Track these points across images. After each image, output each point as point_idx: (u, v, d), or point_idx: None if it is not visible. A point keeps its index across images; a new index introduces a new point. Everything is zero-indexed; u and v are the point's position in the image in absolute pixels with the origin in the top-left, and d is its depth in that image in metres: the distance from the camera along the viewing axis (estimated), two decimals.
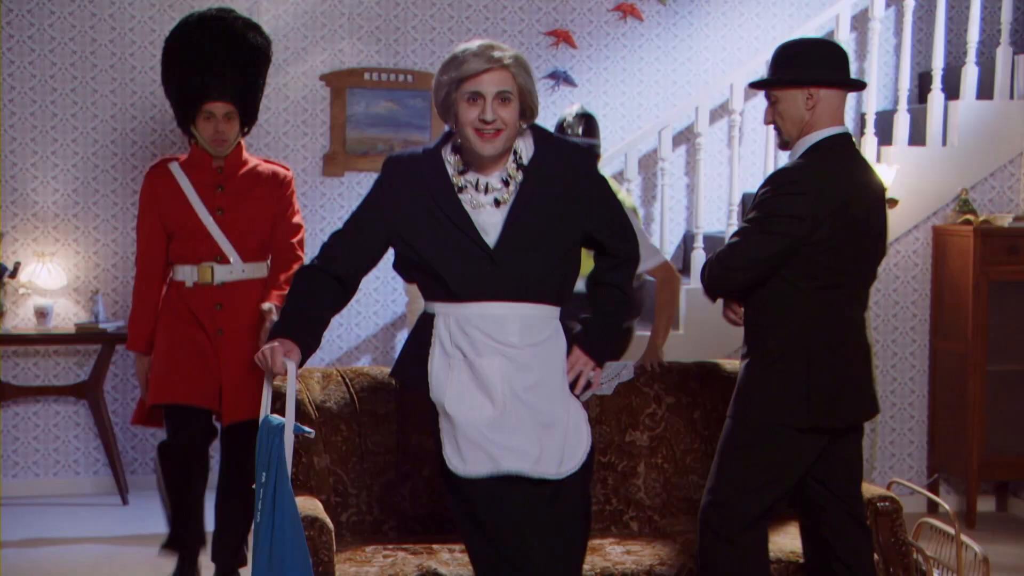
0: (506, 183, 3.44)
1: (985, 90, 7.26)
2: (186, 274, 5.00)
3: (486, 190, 3.43)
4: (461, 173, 3.45)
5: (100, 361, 6.97)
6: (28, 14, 7.04)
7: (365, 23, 7.42)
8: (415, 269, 3.51)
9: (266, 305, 4.88)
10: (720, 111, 7.65)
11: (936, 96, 7.17)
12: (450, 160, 3.47)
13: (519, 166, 3.45)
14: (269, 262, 5.10)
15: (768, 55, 6.91)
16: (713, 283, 4.04)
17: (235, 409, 4.93)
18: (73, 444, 7.21)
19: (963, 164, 7.10)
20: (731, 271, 3.96)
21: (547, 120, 7.44)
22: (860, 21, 7.71)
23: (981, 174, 7.14)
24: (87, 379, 7.01)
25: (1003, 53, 7.25)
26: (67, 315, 7.12)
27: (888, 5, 7.60)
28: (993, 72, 7.26)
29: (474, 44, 3.40)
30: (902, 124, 7.17)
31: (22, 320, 7.07)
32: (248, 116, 5.08)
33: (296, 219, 5.10)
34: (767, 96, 4.07)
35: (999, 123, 7.14)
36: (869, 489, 4.45)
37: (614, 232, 3.57)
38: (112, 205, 7.17)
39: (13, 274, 6.93)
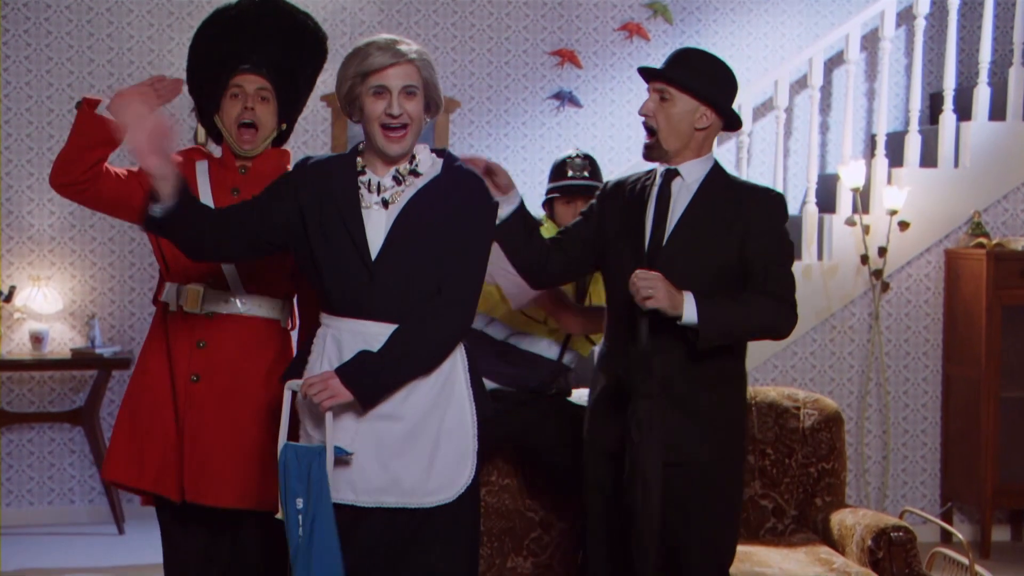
0: (397, 181, 3.46)
1: (998, 111, 7.27)
2: (171, 295, 3.95)
3: (378, 189, 3.46)
4: (360, 173, 3.49)
5: (96, 387, 6.97)
6: (25, 34, 7.06)
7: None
8: (306, 270, 3.53)
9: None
10: (728, 132, 7.65)
11: (948, 117, 7.18)
12: (358, 161, 3.52)
13: (413, 171, 3.48)
14: (285, 308, 4.00)
15: (777, 75, 6.97)
16: (794, 324, 3.80)
17: (200, 487, 3.83)
18: (68, 472, 7.20)
19: (975, 186, 7.11)
20: (796, 304, 3.79)
21: (549, 143, 7.48)
22: (870, 41, 7.72)
23: (994, 196, 7.15)
24: (83, 405, 7.01)
25: (1016, 73, 7.26)
26: (63, 340, 7.12)
27: (899, 24, 7.62)
28: (1006, 93, 7.27)
29: (379, 38, 3.45)
30: (913, 146, 7.18)
31: (17, 345, 7.07)
32: (288, 106, 4.01)
33: None
34: (655, 85, 3.79)
35: (1012, 144, 7.15)
36: (881, 519, 4.44)
37: (454, 269, 3.45)
38: (109, 228, 7.17)
39: (8, 298, 6.94)
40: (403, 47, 3.41)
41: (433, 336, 3.40)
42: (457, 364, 3.50)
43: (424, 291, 3.41)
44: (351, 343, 3.40)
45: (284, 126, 4.02)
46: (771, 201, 3.79)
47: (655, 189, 3.80)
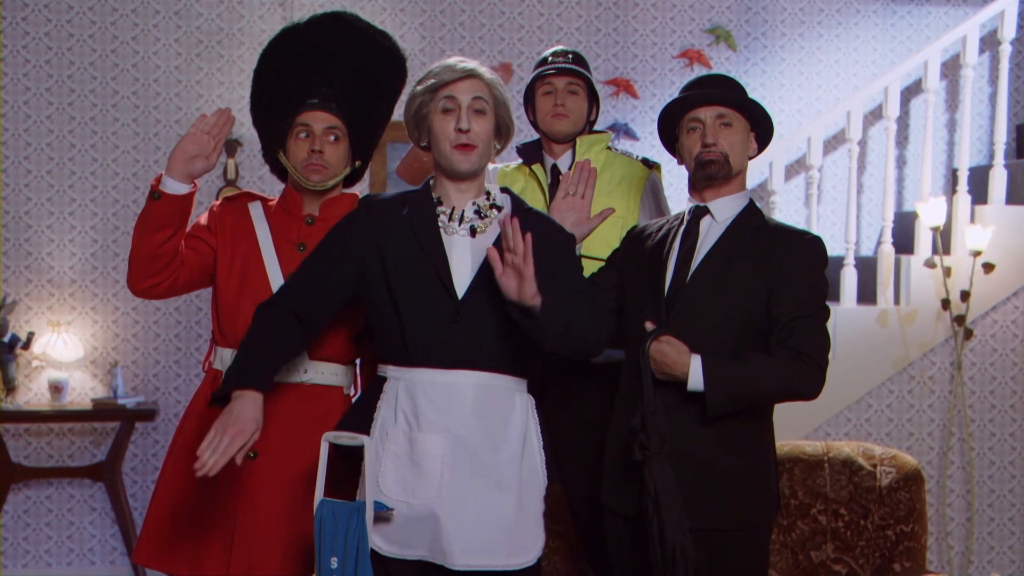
0: (480, 215, 3.52)
1: None
2: (225, 362, 3.77)
3: (461, 219, 3.51)
4: (436, 204, 3.54)
5: (119, 440, 7.00)
6: (47, 64, 7.15)
7: (409, 75, 7.45)
8: (377, 317, 3.53)
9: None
10: (796, 166, 7.65)
11: None
12: (433, 195, 3.56)
13: (492, 205, 3.55)
14: (349, 373, 3.91)
15: (850, 105, 6.95)
16: (820, 386, 3.64)
17: (251, 568, 3.71)
18: (88, 531, 7.24)
19: None
20: (826, 362, 3.64)
21: None
22: (951, 68, 7.70)
23: None
24: (104, 459, 7.04)
25: None
26: (83, 390, 7.17)
27: (982, 50, 7.59)
28: None
29: (451, 59, 3.55)
30: (998, 181, 7.14)
31: (35, 395, 7.12)
32: (361, 144, 3.89)
33: None
34: (714, 111, 3.72)
35: None
36: None
37: (569, 280, 3.55)
38: None
39: (26, 345, 6.99)
40: (472, 65, 3.51)
41: (596, 318, 3.51)
42: (530, 423, 3.54)
43: (509, 337, 3.43)
44: (428, 394, 3.41)
45: (358, 163, 3.93)
46: (806, 245, 3.69)
47: (682, 228, 3.78)
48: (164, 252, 3.73)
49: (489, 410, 3.44)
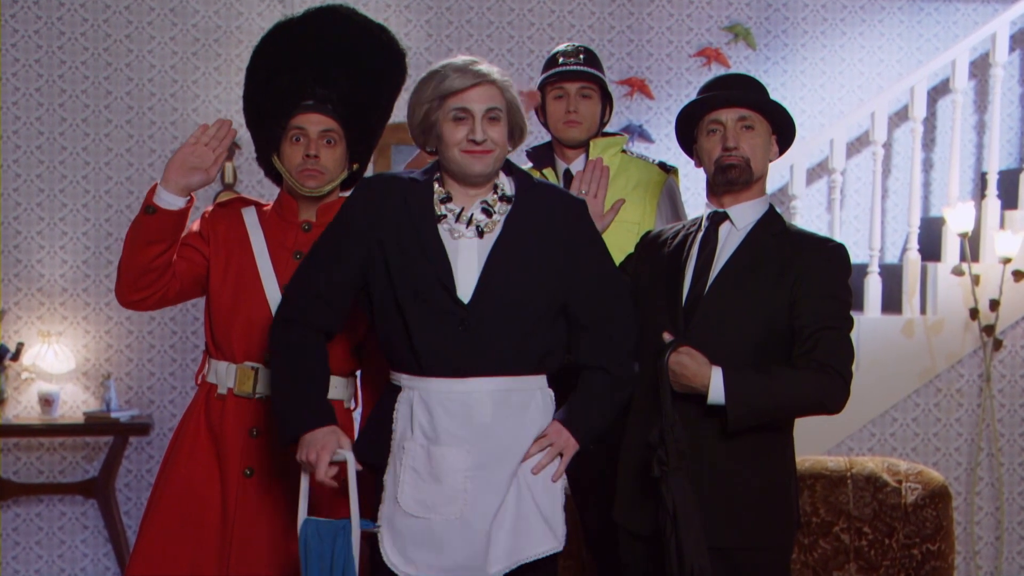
0: (488, 213, 3.46)
1: None
2: (220, 375, 3.78)
3: (469, 221, 3.45)
4: (443, 202, 3.47)
5: (112, 455, 6.98)
6: (36, 64, 7.16)
7: (413, 73, 7.44)
8: (382, 319, 3.47)
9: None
10: (818, 170, 7.64)
11: None
12: (436, 189, 3.49)
13: (502, 198, 3.49)
14: (350, 386, 3.89)
15: (874, 106, 6.94)
16: (845, 400, 3.64)
17: None
18: (81, 549, 7.24)
19: None
20: (850, 375, 3.64)
21: None
22: (980, 67, 7.69)
23: None
24: (97, 475, 7.04)
25: None
26: (75, 403, 7.17)
27: (1012, 49, 7.58)
28: None
29: (457, 59, 3.45)
30: None
31: (25, 409, 7.12)
32: (359, 146, 3.85)
33: None
34: (736, 112, 3.70)
35: None
36: None
37: (595, 302, 3.53)
38: None
39: (15, 356, 6.99)
40: (483, 67, 3.42)
41: (627, 383, 3.58)
42: (550, 415, 3.52)
43: (524, 337, 3.41)
44: (444, 405, 3.39)
45: (356, 166, 3.89)
46: (829, 253, 3.68)
47: (700, 235, 3.77)
48: (156, 266, 3.72)
49: (509, 414, 3.41)
